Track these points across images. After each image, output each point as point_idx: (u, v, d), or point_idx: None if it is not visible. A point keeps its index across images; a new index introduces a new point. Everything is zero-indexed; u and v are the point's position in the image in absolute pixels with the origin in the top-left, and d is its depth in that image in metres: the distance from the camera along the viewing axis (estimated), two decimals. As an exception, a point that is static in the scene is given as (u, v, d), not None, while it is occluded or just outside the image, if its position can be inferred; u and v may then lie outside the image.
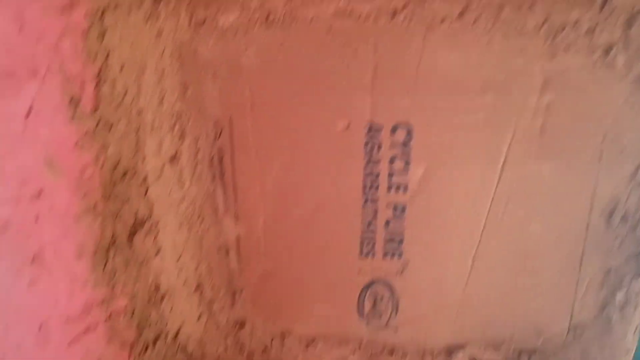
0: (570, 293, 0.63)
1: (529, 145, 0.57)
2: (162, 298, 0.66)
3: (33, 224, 0.45)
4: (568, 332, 0.65)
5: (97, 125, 0.53)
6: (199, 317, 0.72)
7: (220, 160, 0.62)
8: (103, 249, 0.56)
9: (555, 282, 0.63)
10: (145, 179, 0.60)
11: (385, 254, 0.65)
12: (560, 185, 0.58)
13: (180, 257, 0.67)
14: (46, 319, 0.48)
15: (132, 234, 0.60)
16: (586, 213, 0.59)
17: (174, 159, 0.61)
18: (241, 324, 0.73)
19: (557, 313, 0.65)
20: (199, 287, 0.71)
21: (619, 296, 0.61)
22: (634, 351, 0.64)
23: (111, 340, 0.59)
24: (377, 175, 0.61)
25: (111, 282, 0.58)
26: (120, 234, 0.58)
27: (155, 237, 0.62)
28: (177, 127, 0.60)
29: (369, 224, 0.64)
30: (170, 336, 0.69)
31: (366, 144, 0.59)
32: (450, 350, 0.69)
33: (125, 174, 0.58)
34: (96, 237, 0.55)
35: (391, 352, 0.71)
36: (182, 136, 0.61)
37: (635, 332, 0.63)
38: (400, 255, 0.65)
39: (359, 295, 0.68)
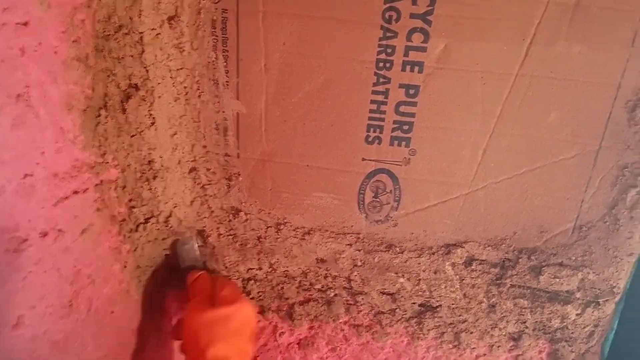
0: (580, 191, 0.61)
1: (560, 23, 0.53)
2: (155, 176, 0.62)
3: (19, 56, 0.41)
4: (573, 232, 0.64)
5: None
6: (192, 202, 0.69)
7: (224, 24, 0.57)
8: (94, 107, 0.52)
9: (566, 179, 0.61)
10: (141, 38, 0.54)
11: (392, 141, 0.62)
12: (587, 71, 0.55)
13: (175, 133, 0.63)
14: (31, 170, 0.44)
15: (125, 98, 0.55)
16: (609, 103, 0.56)
17: (173, 18, 0.56)
18: (235, 212, 0.70)
19: (564, 212, 0.63)
20: (193, 169, 0.67)
21: (631, 195, 0.60)
22: (638, 255, 0.63)
23: (101, 210, 0.55)
24: (393, 50, 0.56)
25: (102, 147, 0.54)
26: (113, 95, 0.54)
27: (150, 106, 0.58)
28: (177, -20, 0.55)
29: (379, 105, 0.60)
30: (162, 218, 0.66)
31: (384, 12, 0.55)
32: (448, 248, 0.68)
33: (120, 28, 0.52)
34: (87, 94, 0.50)
35: (388, 247, 0.69)
36: (182, -8, 0.56)
37: (641, 234, 0.62)
38: (407, 143, 0.62)
39: (361, 185, 0.65)
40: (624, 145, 0.58)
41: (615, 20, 0.52)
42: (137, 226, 0.63)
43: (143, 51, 0.55)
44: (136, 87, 0.56)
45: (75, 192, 0.51)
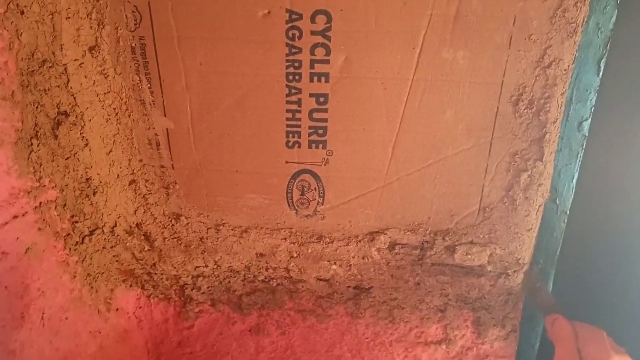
0: (480, 177, 0.68)
1: (444, 32, 0.59)
2: (95, 191, 0.67)
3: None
4: (478, 213, 0.71)
5: (6, 8, 0.51)
6: (135, 211, 0.75)
7: (143, 50, 0.62)
8: (25, 139, 0.56)
9: (467, 168, 0.68)
10: (65, 70, 0.59)
11: (310, 145, 0.68)
12: (473, 72, 0.62)
13: (111, 151, 0.68)
14: (-31, 202, 0.49)
15: (56, 125, 0.60)
16: (495, 99, 0.63)
17: (94, 48, 0.61)
18: (177, 217, 0.76)
19: (468, 196, 0.70)
20: (133, 181, 0.73)
21: (523, 178, 0.67)
22: (537, 229, 0.71)
23: (43, 229, 0.61)
24: (300, 64, 0.62)
25: (37, 173, 0.59)
26: (43, 125, 0.59)
27: (81, 130, 0.63)
28: (94, 13, 0.59)
29: (294, 114, 0.66)
30: (107, 229, 0.72)
31: (287, 31, 0.60)
32: (373, 235, 0.75)
33: (43, 62, 0.57)
34: (17, 127, 0.55)
35: (319, 238, 0.76)
36: (100, 23, 0.60)
37: (537, 211, 0.70)
38: (324, 145, 0.68)
39: (287, 185, 0.71)
40: (513, 135, 0.65)
41: (491, 26, 0.59)
42: (83, 238, 0.68)
43: (68, 80, 0.60)
44: (65, 114, 0.61)
45: (15, 217, 0.56)
